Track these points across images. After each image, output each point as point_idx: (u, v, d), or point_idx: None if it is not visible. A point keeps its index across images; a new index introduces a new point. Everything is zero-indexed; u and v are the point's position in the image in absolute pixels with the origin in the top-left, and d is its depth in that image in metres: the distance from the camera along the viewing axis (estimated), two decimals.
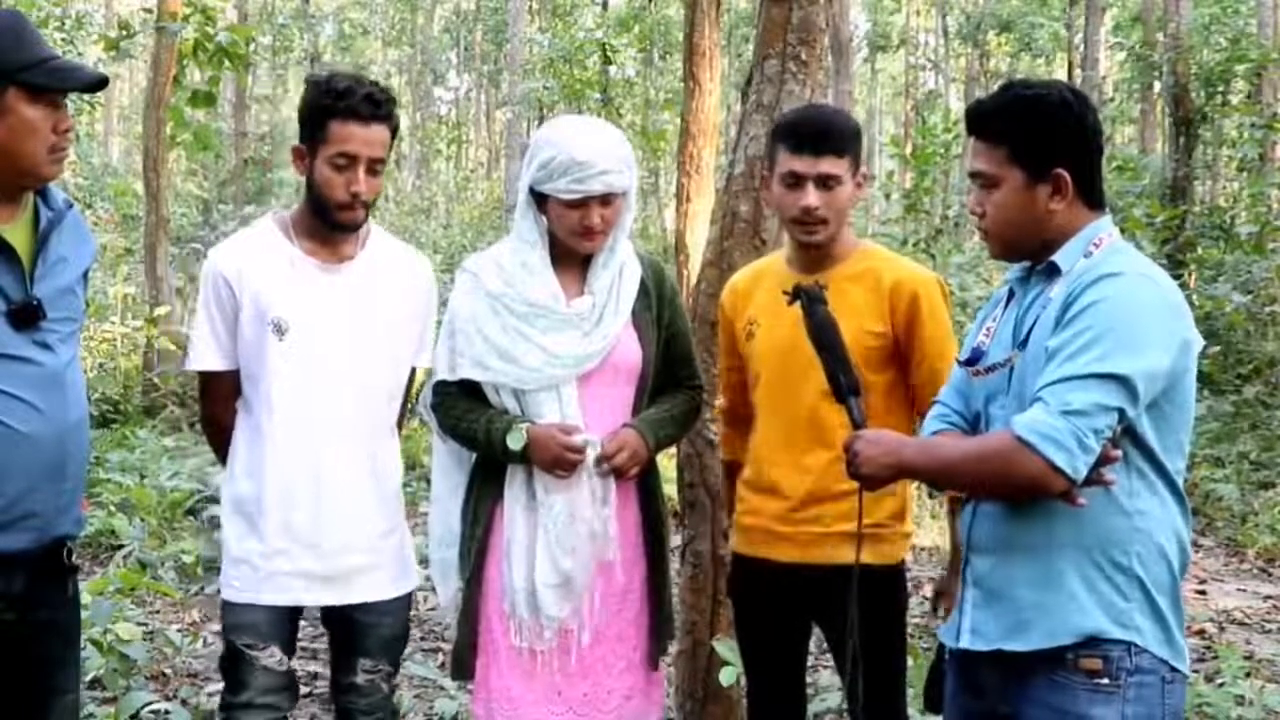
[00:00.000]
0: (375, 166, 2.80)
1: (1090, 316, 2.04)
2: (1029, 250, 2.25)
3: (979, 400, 2.31)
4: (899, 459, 2.23)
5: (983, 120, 2.24)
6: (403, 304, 2.94)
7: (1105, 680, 2.07)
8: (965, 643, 2.22)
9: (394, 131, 2.85)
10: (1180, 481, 2.16)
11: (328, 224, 2.84)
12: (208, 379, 2.94)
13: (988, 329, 2.32)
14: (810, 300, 2.47)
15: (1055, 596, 2.10)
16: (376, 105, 2.77)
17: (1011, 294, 2.33)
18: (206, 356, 2.88)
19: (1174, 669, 2.11)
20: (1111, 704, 2.06)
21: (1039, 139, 2.17)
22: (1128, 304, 2.05)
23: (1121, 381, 2.00)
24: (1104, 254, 2.16)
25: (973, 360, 2.31)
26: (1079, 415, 1.99)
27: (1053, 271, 2.20)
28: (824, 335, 2.44)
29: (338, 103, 2.75)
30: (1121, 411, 2.02)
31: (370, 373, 2.88)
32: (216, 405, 2.95)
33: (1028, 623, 2.12)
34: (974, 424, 2.34)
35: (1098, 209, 2.22)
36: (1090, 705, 2.07)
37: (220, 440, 2.97)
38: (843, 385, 2.40)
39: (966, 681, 2.26)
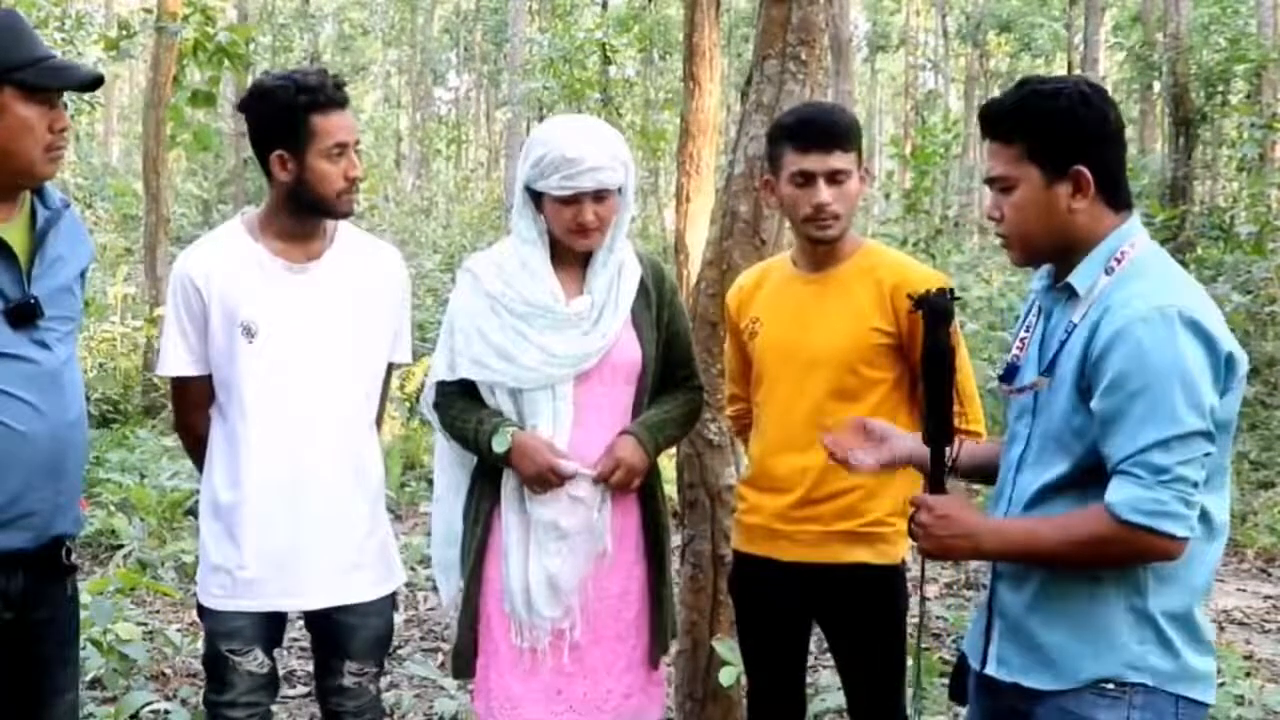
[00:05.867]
0: (356, 148, 2.84)
1: (1141, 376, 1.96)
2: (1053, 254, 2.16)
3: (1010, 414, 2.25)
4: (975, 546, 2.13)
5: (996, 119, 2.15)
6: (374, 298, 2.92)
7: (1110, 686, 2.07)
8: (991, 669, 2.21)
9: None
10: (1218, 499, 2.09)
11: (321, 215, 2.83)
12: (180, 385, 2.91)
13: (1021, 342, 2.24)
14: (934, 317, 2.20)
15: (1073, 642, 2.08)
16: (342, 89, 2.80)
17: (1038, 305, 2.26)
18: (176, 362, 2.85)
19: (1190, 700, 2.09)
20: (1117, 709, 2.06)
21: (1055, 135, 2.08)
22: (1172, 353, 1.97)
23: (1201, 433, 1.98)
24: (1126, 276, 2.08)
25: (1007, 377, 2.24)
26: (1176, 480, 1.96)
27: (1070, 292, 2.13)
28: (934, 364, 2.19)
29: (316, 96, 2.74)
30: (1207, 454, 2.00)
31: (344, 371, 2.86)
32: (190, 412, 2.92)
33: (1047, 663, 2.11)
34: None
35: (1123, 209, 2.14)
36: (1095, 709, 2.06)
37: (196, 448, 2.95)
38: (934, 429, 2.20)
39: (986, 683, 2.25)
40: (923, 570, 2.35)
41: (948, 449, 2.21)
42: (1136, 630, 2.06)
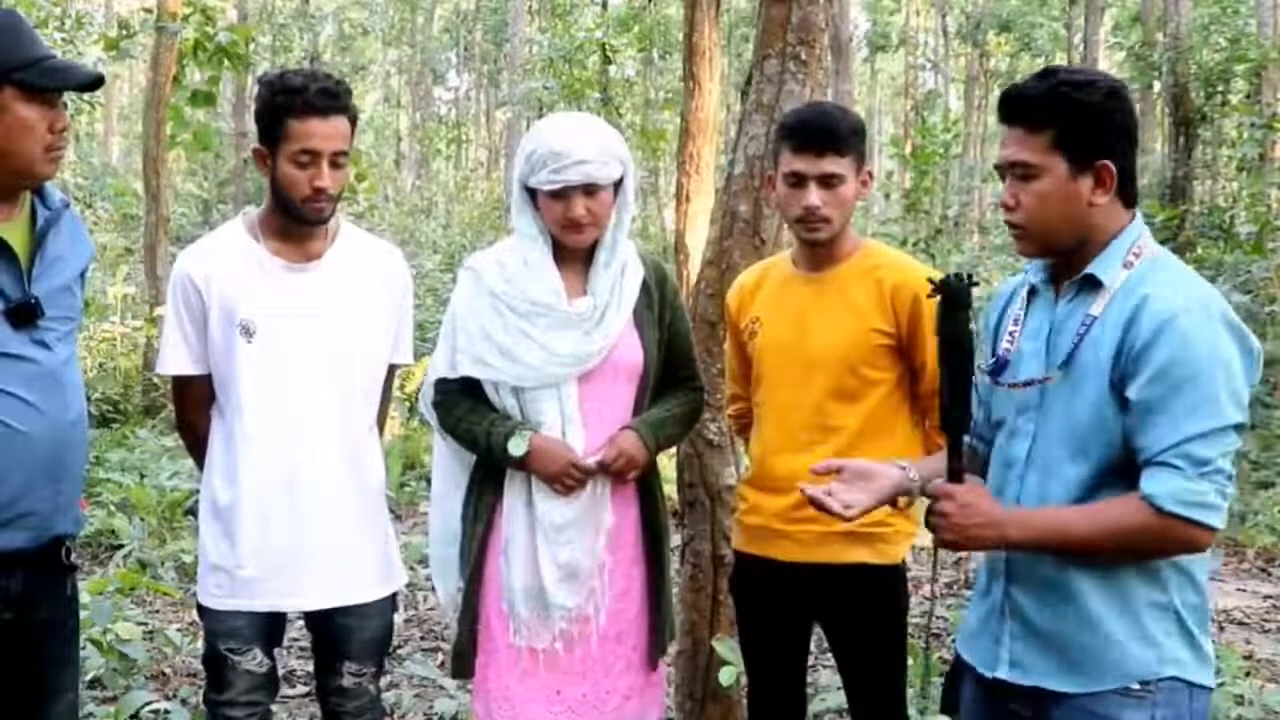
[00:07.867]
0: (337, 159, 2.77)
1: (1187, 366, 1.96)
2: (1064, 248, 2.12)
3: (1004, 410, 2.20)
4: (1000, 535, 2.05)
5: (1024, 105, 2.09)
6: (375, 299, 2.91)
7: (1137, 686, 2.05)
8: (1003, 674, 2.15)
9: (353, 122, 2.83)
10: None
11: (294, 220, 2.81)
12: (181, 384, 2.92)
13: (1010, 334, 2.21)
14: (950, 302, 2.08)
15: (1103, 641, 2.06)
16: (332, 97, 2.74)
17: (1031, 294, 2.21)
18: (176, 360, 2.85)
19: (1202, 687, 2.10)
20: (1143, 709, 2.05)
21: (1086, 127, 2.05)
22: (1214, 344, 1.98)
23: (1237, 426, 1.99)
24: (1149, 269, 2.07)
25: (998, 370, 2.20)
26: (1215, 471, 1.97)
27: (1092, 284, 2.09)
28: (951, 348, 2.08)
29: (294, 99, 2.72)
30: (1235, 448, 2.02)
31: (343, 371, 2.85)
32: (191, 411, 2.93)
33: (1075, 664, 2.08)
34: (995, 430, 2.25)
35: (1131, 207, 2.14)
36: (1122, 709, 2.05)
37: (197, 447, 2.95)
38: (951, 416, 2.08)
39: (993, 688, 2.19)
40: (934, 567, 2.32)
41: (964, 438, 2.12)
42: (1161, 624, 2.06)
